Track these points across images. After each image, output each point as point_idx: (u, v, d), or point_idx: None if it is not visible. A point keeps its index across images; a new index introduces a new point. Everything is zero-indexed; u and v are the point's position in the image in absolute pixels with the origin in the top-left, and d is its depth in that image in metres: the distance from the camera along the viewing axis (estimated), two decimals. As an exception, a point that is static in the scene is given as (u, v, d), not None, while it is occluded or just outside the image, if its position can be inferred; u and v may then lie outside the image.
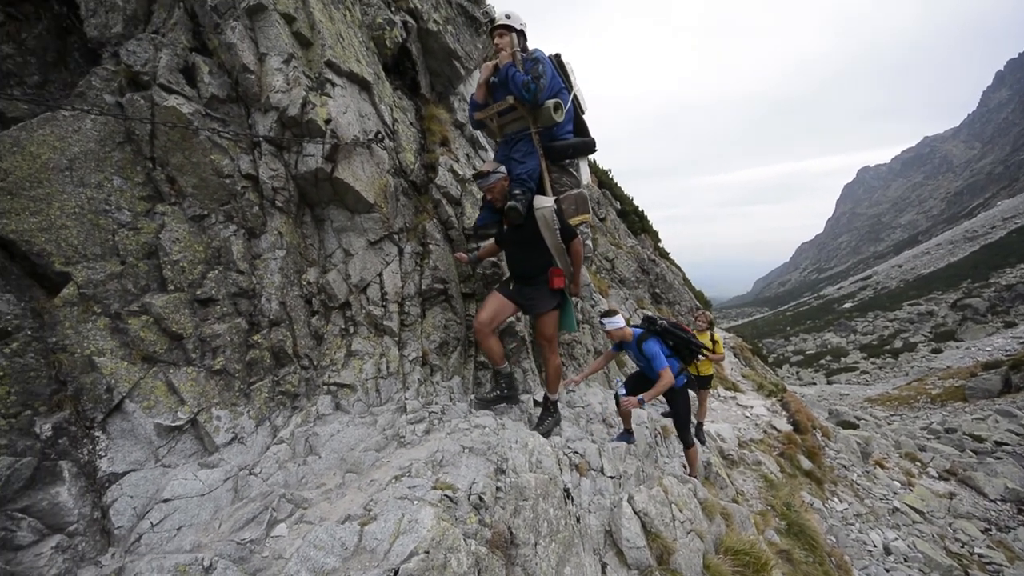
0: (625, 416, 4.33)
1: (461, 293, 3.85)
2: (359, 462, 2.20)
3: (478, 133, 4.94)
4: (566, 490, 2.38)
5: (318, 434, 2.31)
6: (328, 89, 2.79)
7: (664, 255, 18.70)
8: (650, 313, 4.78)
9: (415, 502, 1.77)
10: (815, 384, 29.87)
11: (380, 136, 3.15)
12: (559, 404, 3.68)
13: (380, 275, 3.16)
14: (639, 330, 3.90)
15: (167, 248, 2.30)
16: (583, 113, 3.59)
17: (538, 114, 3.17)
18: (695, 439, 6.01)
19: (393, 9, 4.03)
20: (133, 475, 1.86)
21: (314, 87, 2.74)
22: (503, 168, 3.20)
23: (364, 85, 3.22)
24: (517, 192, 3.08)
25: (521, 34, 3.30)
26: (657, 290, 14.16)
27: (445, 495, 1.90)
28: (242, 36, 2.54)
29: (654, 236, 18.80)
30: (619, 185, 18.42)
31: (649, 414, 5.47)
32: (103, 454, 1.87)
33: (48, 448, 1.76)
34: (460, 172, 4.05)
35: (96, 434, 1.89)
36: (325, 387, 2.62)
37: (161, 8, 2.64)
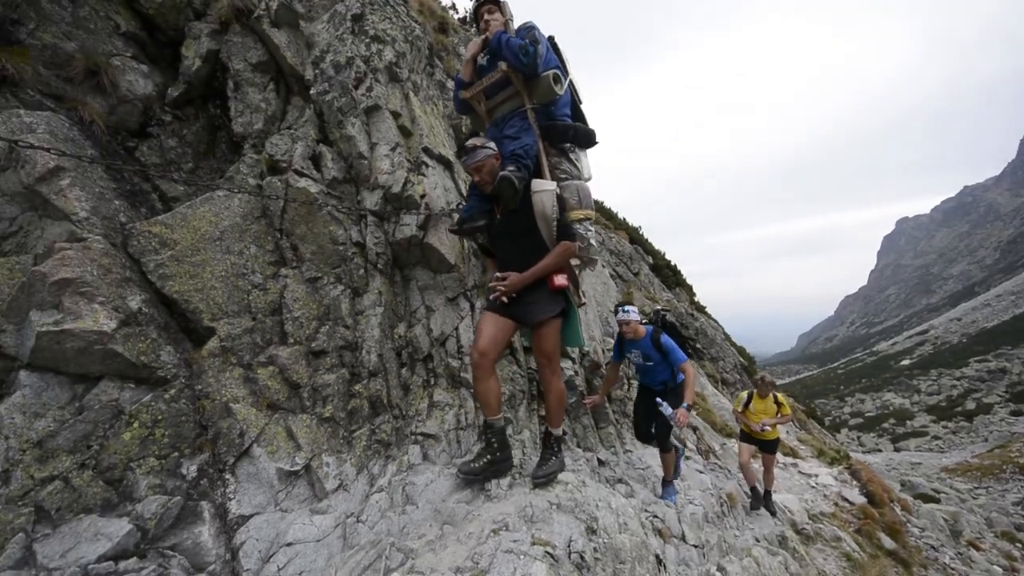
0: (667, 466, 4.02)
1: (523, 346, 4.00)
2: (453, 514, 2.26)
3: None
4: (657, 556, 2.32)
5: (415, 483, 2.40)
6: (423, 170, 3.22)
7: (700, 309, 18.33)
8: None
9: (522, 556, 1.81)
10: (880, 451, 27.03)
11: (460, 207, 3.53)
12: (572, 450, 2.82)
13: (456, 329, 3.38)
14: (650, 327, 3.89)
15: (289, 306, 2.61)
16: (580, 103, 3.23)
17: (535, 86, 2.76)
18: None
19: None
20: (257, 518, 2.00)
21: (413, 168, 3.18)
22: (492, 144, 2.59)
23: (447, 164, 3.68)
24: (511, 168, 2.51)
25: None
26: (698, 345, 13.73)
27: (547, 552, 1.92)
28: (360, 130, 3.04)
29: (689, 290, 18.60)
30: (649, 240, 18.69)
31: (712, 480, 5.17)
32: (232, 496, 2.04)
33: (192, 489, 1.95)
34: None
35: (227, 477, 2.07)
36: (413, 437, 2.74)
37: (294, 108, 3.21)
